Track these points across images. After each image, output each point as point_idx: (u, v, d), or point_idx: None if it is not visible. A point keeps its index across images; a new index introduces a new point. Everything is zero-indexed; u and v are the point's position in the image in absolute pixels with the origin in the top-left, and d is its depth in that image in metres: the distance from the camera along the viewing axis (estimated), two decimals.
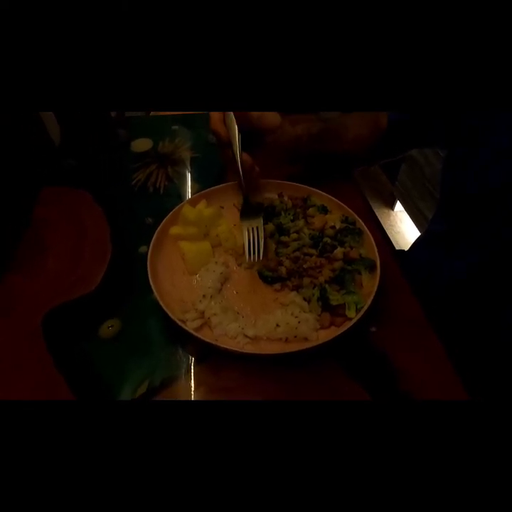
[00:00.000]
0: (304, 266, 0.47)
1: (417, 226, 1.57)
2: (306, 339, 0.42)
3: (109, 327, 0.45)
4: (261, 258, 0.48)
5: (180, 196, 0.62)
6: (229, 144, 0.52)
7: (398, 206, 1.75)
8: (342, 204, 0.54)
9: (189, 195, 0.62)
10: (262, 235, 0.49)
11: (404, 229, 1.71)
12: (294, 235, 0.51)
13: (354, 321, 0.42)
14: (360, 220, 0.51)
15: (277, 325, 0.42)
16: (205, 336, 0.42)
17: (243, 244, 0.49)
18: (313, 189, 0.56)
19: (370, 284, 0.46)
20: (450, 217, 0.57)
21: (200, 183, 0.64)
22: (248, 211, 0.51)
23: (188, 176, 0.66)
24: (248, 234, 0.48)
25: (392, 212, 1.79)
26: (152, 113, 0.89)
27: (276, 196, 0.57)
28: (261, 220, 0.50)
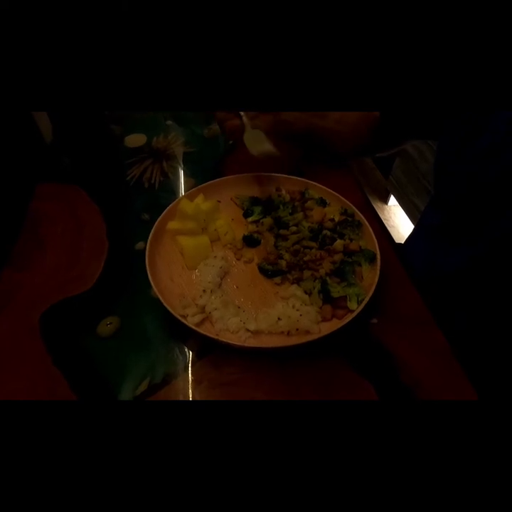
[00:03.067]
0: (304, 259, 0.47)
1: (412, 220, 1.58)
2: (307, 332, 0.42)
3: (107, 324, 0.44)
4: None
5: (175, 191, 0.61)
6: None
7: (392, 200, 1.76)
8: (340, 196, 0.54)
9: (184, 190, 0.61)
10: (274, 149, 0.52)
11: (398, 223, 1.72)
12: (293, 228, 0.50)
13: (356, 312, 0.42)
14: (359, 212, 0.51)
15: (279, 318, 0.42)
16: (207, 330, 0.41)
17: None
18: (311, 182, 0.56)
19: (370, 276, 0.46)
20: (444, 209, 0.57)
21: (195, 177, 0.63)
22: (252, 134, 0.53)
23: (183, 171, 0.65)
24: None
25: (386, 206, 1.79)
26: None
27: (274, 190, 0.57)
28: (267, 141, 0.52)
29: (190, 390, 0.40)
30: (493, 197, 0.47)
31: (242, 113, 0.53)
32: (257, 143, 0.52)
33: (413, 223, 1.57)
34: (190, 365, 0.42)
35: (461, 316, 0.53)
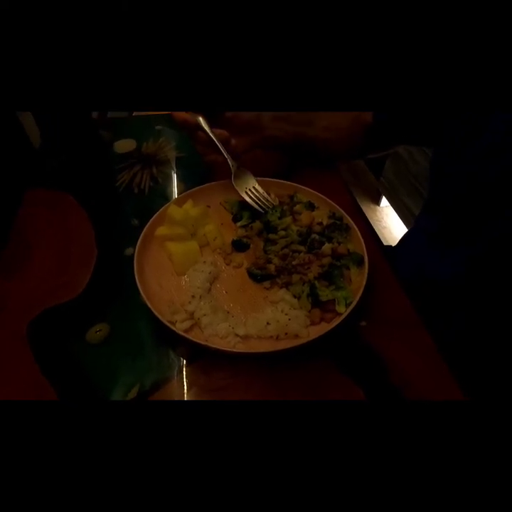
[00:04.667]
0: (293, 263, 0.47)
1: (404, 221, 1.59)
2: (296, 336, 0.42)
3: (96, 331, 0.44)
4: (276, 204, 0.54)
5: (165, 197, 0.61)
6: (197, 126, 0.53)
7: (384, 201, 1.77)
8: (328, 200, 0.54)
9: (175, 196, 0.61)
10: (261, 190, 0.54)
11: (390, 224, 1.73)
12: (282, 233, 0.50)
13: (344, 316, 0.42)
14: (347, 216, 0.51)
15: (268, 323, 0.42)
16: (196, 336, 0.41)
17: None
18: (300, 186, 0.56)
19: (358, 279, 0.46)
20: (440, 213, 0.57)
21: (185, 182, 0.63)
22: (238, 175, 0.54)
23: (174, 176, 0.65)
24: (247, 195, 0.53)
25: (378, 207, 1.80)
26: (135, 113, 0.87)
27: None
28: (253, 178, 0.55)
29: (180, 396, 0.40)
30: (493, 197, 0.47)
31: (227, 156, 0.53)
32: (246, 183, 0.54)
33: (405, 224, 1.58)
34: (180, 371, 0.42)
35: (459, 316, 0.53)
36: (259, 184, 0.57)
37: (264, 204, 0.53)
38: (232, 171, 0.54)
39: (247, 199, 0.53)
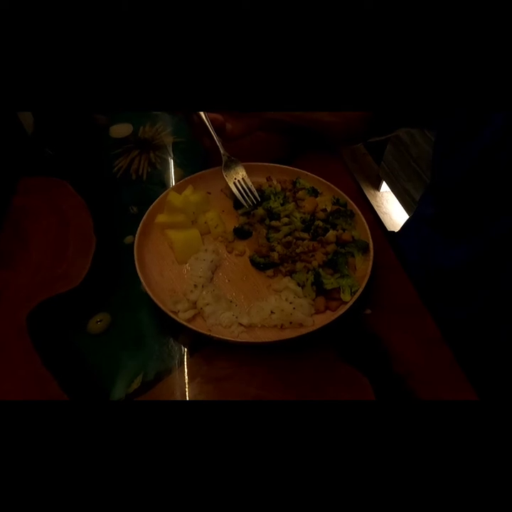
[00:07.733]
0: (297, 250, 0.46)
1: (404, 207, 1.58)
2: (301, 325, 0.41)
3: (97, 322, 0.43)
4: (259, 200, 0.52)
5: (164, 183, 0.60)
6: None
7: (384, 187, 1.75)
8: (332, 186, 0.53)
9: (173, 182, 0.60)
10: (249, 183, 0.52)
11: (391, 210, 1.72)
12: (285, 219, 0.49)
13: (349, 304, 0.41)
14: (352, 202, 0.50)
15: (272, 312, 0.42)
16: (199, 326, 0.40)
17: (236, 197, 0.52)
18: (302, 171, 0.55)
19: (363, 267, 0.45)
20: (441, 201, 0.56)
21: (184, 168, 0.61)
22: (229, 165, 0.53)
23: (172, 161, 0.63)
24: (235, 186, 0.52)
25: (378, 193, 1.79)
26: None
27: (265, 180, 0.56)
28: (243, 170, 0.53)
29: (183, 387, 0.39)
30: (493, 193, 0.46)
31: (218, 144, 0.52)
32: (235, 174, 0.53)
33: (406, 210, 1.57)
34: (182, 360, 0.41)
35: (460, 312, 0.53)
36: (261, 169, 0.56)
37: (250, 198, 0.52)
38: (223, 160, 0.52)
39: (235, 190, 0.52)
